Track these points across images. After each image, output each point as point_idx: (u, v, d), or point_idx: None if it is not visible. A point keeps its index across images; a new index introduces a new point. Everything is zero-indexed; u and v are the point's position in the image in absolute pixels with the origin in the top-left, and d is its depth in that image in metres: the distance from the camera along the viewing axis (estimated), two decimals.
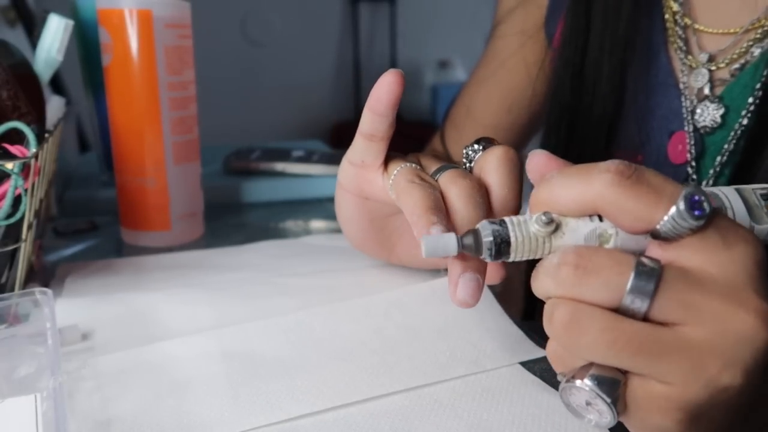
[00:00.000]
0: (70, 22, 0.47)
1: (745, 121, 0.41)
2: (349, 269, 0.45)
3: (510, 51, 0.59)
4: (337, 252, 0.48)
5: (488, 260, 0.26)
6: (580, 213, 0.24)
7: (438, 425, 0.29)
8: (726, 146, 0.42)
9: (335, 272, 0.45)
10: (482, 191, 0.32)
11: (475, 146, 0.35)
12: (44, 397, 0.28)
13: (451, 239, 0.26)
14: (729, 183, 0.42)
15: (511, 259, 0.26)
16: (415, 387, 0.32)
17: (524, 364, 0.34)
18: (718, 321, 0.22)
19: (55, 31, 0.46)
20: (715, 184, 0.43)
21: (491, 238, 0.25)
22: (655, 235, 0.23)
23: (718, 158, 0.43)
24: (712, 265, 0.22)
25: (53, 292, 0.34)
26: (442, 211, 0.31)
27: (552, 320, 0.23)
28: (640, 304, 0.22)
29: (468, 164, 0.35)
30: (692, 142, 0.44)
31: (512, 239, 0.25)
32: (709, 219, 0.22)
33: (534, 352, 0.35)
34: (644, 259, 0.22)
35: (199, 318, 0.38)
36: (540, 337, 0.36)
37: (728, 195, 0.26)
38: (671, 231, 0.22)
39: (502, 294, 0.40)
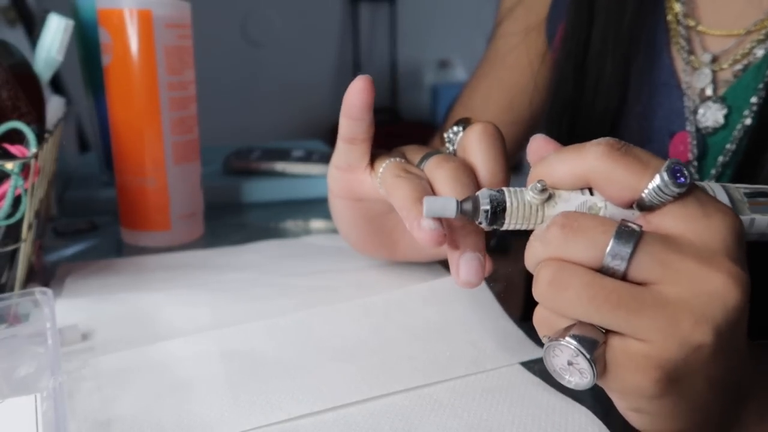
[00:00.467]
0: (70, 22, 0.47)
1: (748, 121, 0.41)
2: (349, 269, 0.45)
3: (511, 48, 0.59)
4: (337, 252, 0.48)
5: (484, 225, 0.27)
6: (573, 185, 0.26)
7: (438, 425, 0.29)
8: (728, 146, 0.42)
9: (335, 272, 0.45)
10: (467, 171, 0.32)
11: (455, 128, 0.36)
12: (44, 397, 0.28)
13: (450, 202, 0.27)
14: (730, 183, 0.42)
15: (505, 226, 0.27)
16: (415, 387, 0.32)
17: (524, 364, 0.34)
18: (693, 280, 0.23)
19: (55, 31, 0.46)
20: None
21: (488, 202, 0.26)
22: (641, 204, 0.24)
23: (720, 158, 0.43)
24: (691, 232, 0.24)
25: (53, 292, 0.34)
26: (426, 192, 0.31)
27: (538, 280, 0.25)
28: (619, 263, 0.23)
29: (451, 147, 0.36)
30: (694, 143, 0.44)
31: (508, 204, 0.26)
32: (689, 190, 0.24)
33: (534, 352, 0.35)
34: (627, 222, 0.24)
35: (199, 318, 0.38)
36: (540, 338, 0.36)
37: (714, 189, 0.28)
38: (655, 198, 0.24)
39: (502, 294, 0.41)
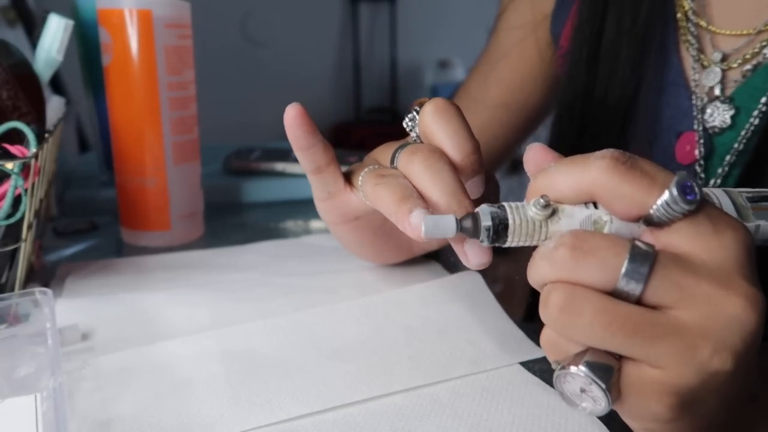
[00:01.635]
0: (70, 22, 0.47)
1: (756, 122, 0.41)
2: (349, 269, 0.45)
3: (515, 41, 0.59)
4: (337, 252, 0.48)
5: (485, 244, 0.26)
6: (577, 200, 0.25)
7: (438, 425, 0.29)
8: (736, 146, 0.42)
9: (335, 272, 0.45)
10: (437, 155, 0.31)
11: (410, 115, 0.34)
12: (44, 397, 0.28)
13: (450, 221, 0.26)
14: (738, 184, 0.42)
15: (507, 243, 0.26)
16: (415, 387, 0.32)
17: (524, 364, 0.34)
18: (710, 304, 0.22)
19: (55, 31, 0.46)
20: (723, 185, 0.43)
21: (490, 221, 0.25)
22: (648, 220, 0.24)
23: (727, 158, 0.43)
24: (703, 251, 0.23)
25: (53, 292, 0.34)
26: (412, 195, 0.31)
27: (548, 304, 0.23)
28: (634, 286, 0.22)
29: (414, 135, 0.35)
30: (701, 142, 0.44)
31: (510, 221, 0.25)
32: (699, 206, 0.23)
33: (534, 352, 0.35)
34: (639, 243, 0.23)
35: (199, 318, 0.38)
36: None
37: (718, 195, 0.27)
38: (664, 215, 0.23)
39: (502, 294, 0.41)
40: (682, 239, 0.23)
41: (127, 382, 0.31)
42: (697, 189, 0.22)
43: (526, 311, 0.53)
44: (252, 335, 0.35)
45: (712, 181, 0.44)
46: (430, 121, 0.32)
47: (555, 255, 0.23)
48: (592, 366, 0.23)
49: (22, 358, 0.31)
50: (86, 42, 0.61)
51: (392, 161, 0.34)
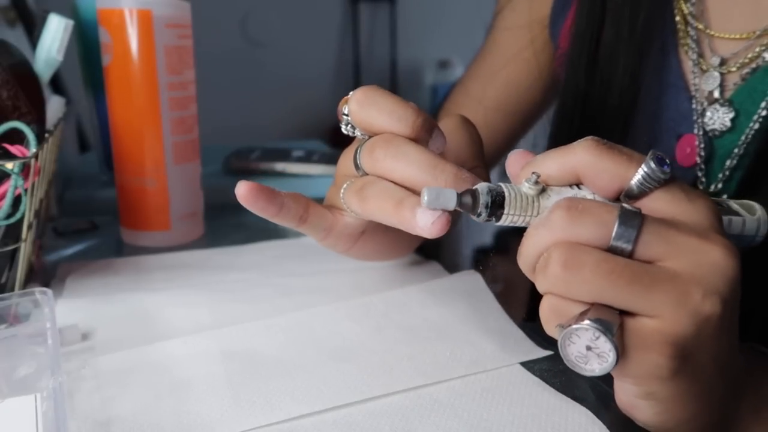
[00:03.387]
0: (70, 22, 0.47)
1: (756, 126, 0.41)
2: (349, 270, 0.45)
3: (512, 41, 0.59)
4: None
5: (483, 216, 0.27)
6: (563, 181, 0.27)
7: (438, 425, 0.29)
8: (736, 150, 0.42)
9: (335, 273, 0.45)
10: (390, 140, 0.31)
11: (345, 119, 0.34)
12: (44, 397, 0.28)
13: (451, 194, 0.28)
14: (738, 187, 0.42)
15: (503, 217, 0.27)
16: (415, 387, 0.32)
17: (524, 364, 0.34)
18: (695, 253, 0.24)
19: (55, 31, 0.46)
20: (724, 188, 0.43)
21: (488, 194, 0.27)
22: (629, 193, 0.26)
23: (728, 162, 0.43)
24: (680, 213, 0.25)
25: (53, 292, 0.34)
26: (399, 193, 0.31)
27: (549, 264, 0.25)
28: (627, 242, 0.24)
29: (360, 134, 0.34)
30: (701, 145, 0.44)
31: (506, 194, 0.27)
32: (671, 177, 0.26)
33: (534, 352, 0.35)
34: (626, 205, 0.25)
35: (199, 318, 0.38)
36: (541, 338, 0.36)
37: None
38: (644, 185, 0.25)
39: (502, 294, 0.41)
40: (662, 204, 0.26)
41: (126, 382, 0.31)
42: (668, 161, 0.25)
43: (526, 311, 0.53)
44: (252, 335, 0.35)
45: (713, 185, 0.44)
46: (361, 115, 0.32)
47: (552, 217, 0.25)
48: (596, 320, 0.24)
49: (22, 358, 0.31)
50: (86, 42, 0.61)
51: (357, 167, 0.34)
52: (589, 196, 0.27)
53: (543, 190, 0.27)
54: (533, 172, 0.27)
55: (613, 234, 0.24)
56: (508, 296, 0.41)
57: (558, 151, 0.27)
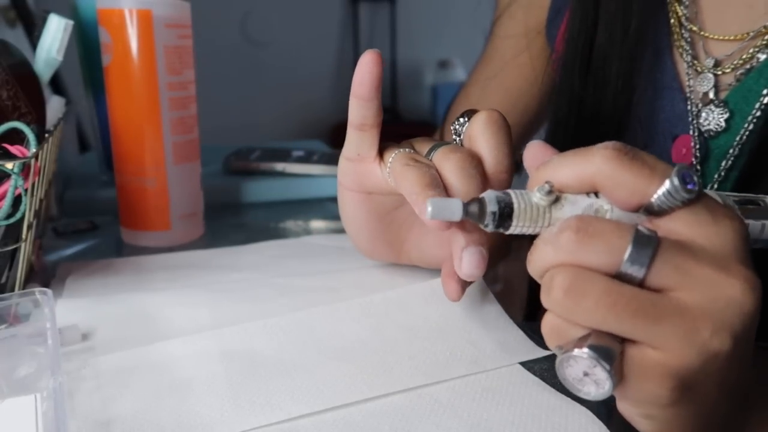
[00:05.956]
0: (70, 22, 0.47)
1: (751, 126, 0.41)
2: (349, 269, 0.45)
3: (512, 49, 0.59)
4: (337, 252, 0.48)
5: (490, 227, 0.26)
6: (579, 189, 0.25)
7: (438, 425, 0.29)
8: (731, 151, 0.42)
9: (335, 272, 0.45)
10: (475, 161, 0.33)
11: (461, 120, 0.36)
12: (44, 397, 0.28)
13: (456, 204, 0.27)
14: (734, 187, 0.42)
15: (511, 228, 0.26)
16: (415, 387, 0.32)
17: (524, 364, 0.34)
18: (710, 287, 0.23)
19: (55, 31, 0.46)
20: (720, 188, 0.43)
21: (495, 204, 0.26)
22: (649, 209, 0.24)
23: (723, 162, 0.43)
24: (702, 238, 0.24)
25: (53, 292, 0.34)
26: (439, 186, 0.31)
27: (552, 287, 0.24)
28: (638, 269, 0.23)
29: (458, 138, 0.36)
30: (697, 146, 0.44)
31: (515, 206, 0.26)
32: (698, 195, 0.24)
33: (534, 352, 0.35)
34: (641, 228, 0.24)
35: (199, 318, 0.38)
36: (540, 338, 0.36)
37: (710, 194, 0.28)
38: (665, 203, 0.24)
39: (502, 294, 0.40)
40: (682, 226, 0.24)
41: (126, 382, 0.31)
42: (696, 179, 0.23)
43: (526, 311, 0.53)
44: (252, 335, 0.35)
45: (709, 186, 0.44)
46: (478, 129, 0.33)
47: (560, 238, 0.24)
48: (595, 348, 0.23)
49: (22, 358, 0.31)
50: (86, 42, 0.61)
51: (428, 154, 0.35)
52: (606, 207, 0.25)
53: (556, 200, 0.26)
54: (546, 182, 0.25)
55: (624, 260, 0.23)
56: (508, 296, 0.41)
57: (575, 156, 0.25)
